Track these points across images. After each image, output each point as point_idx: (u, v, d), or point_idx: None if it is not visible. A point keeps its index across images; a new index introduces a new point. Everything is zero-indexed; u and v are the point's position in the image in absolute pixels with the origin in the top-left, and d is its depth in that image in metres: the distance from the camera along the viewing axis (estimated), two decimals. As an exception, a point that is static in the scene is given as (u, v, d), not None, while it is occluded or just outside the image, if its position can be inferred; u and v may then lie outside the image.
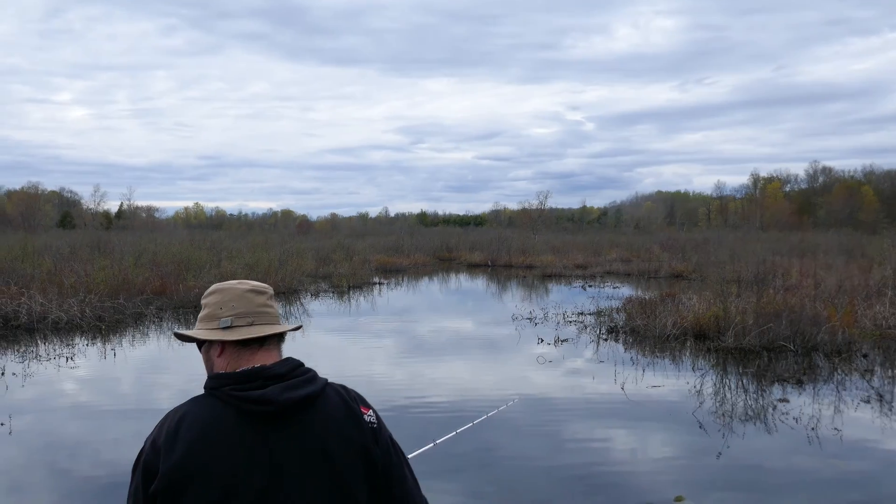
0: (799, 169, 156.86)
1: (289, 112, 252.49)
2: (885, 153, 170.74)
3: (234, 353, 2.18)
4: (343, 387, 2.26)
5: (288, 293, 26.28)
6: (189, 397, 2.18)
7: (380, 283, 32.29)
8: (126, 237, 45.27)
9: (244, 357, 2.16)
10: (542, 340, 15.97)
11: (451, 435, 4.52)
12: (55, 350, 14.46)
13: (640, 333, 16.37)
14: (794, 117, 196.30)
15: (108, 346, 14.97)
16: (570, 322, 19.02)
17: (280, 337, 2.28)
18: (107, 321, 17.84)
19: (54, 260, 25.32)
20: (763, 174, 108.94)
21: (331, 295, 27.00)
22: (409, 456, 2.47)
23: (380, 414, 2.33)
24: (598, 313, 19.75)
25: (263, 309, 2.24)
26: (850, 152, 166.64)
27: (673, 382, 11.89)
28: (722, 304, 15.81)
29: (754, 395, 11.06)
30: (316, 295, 26.74)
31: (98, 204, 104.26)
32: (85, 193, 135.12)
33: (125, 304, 19.24)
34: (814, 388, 11.38)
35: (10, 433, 8.86)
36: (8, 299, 17.69)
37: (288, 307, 22.71)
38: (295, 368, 2.15)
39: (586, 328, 17.82)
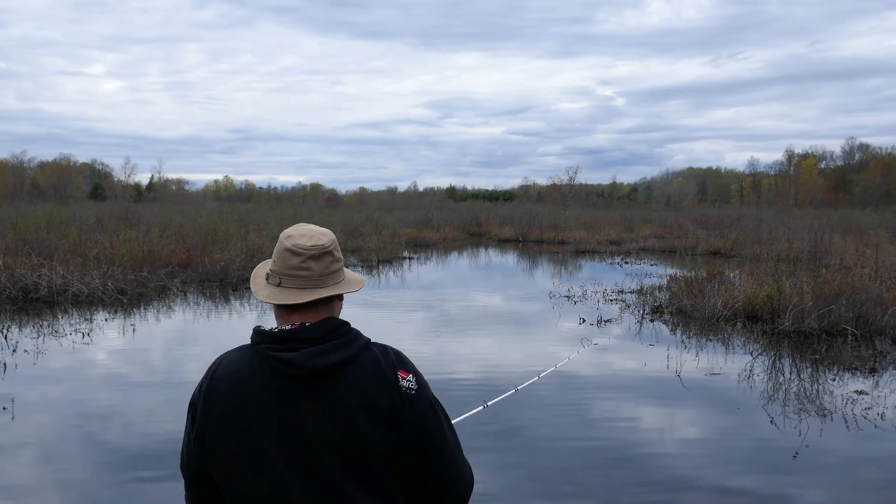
0: (833, 146, 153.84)
1: (318, 86, 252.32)
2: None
3: (277, 308, 2.16)
4: (385, 348, 2.18)
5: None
6: None
7: (409, 258, 31.59)
8: (154, 209, 44.96)
9: (283, 314, 2.14)
10: (584, 320, 15.13)
11: (503, 395, 4.34)
12: (72, 325, 13.80)
13: (687, 314, 15.48)
14: (829, 93, 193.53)
15: (128, 322, 14.29)
16: (611, 301, 18.16)
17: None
18: (129, 294, 17.20)
19: (79, 231, 24.82)
20: (798, 151, 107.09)
21: (360, 269, 26.31)
22: (460, 418, 2.50)
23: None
24: (640, 292, 18.89)
25: (296, 272, 2.12)
26: (885, 129, 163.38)
27: (732, 369, 10.99)
28: (776, 284, 14.88)
29: (826, 386, 10.10)
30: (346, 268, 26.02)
31: (128, 176, 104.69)
32: (116, 166, 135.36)
33: (149, 276, 18.58)
34: (889, 378, 10.45)
35: (12, 418, 8.17)
36: (28, 270, 17.08)
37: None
38: (332, 331, 2.07)
39: (629, 307, 16.96)
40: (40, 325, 13.74)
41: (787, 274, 15.72)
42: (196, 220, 30.44)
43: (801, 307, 13.47)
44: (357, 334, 2.13)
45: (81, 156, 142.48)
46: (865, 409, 8.88)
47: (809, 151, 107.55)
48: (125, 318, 14.61)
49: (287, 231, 2.20)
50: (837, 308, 13.20)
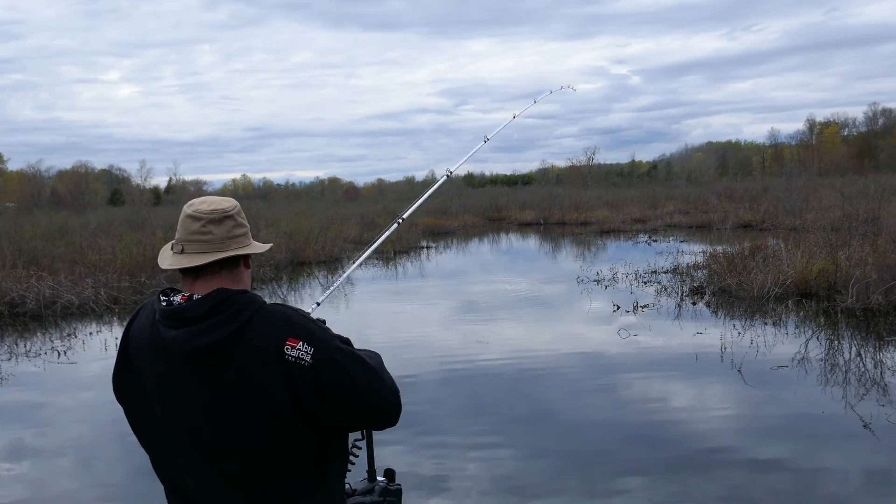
0: (856, 112, 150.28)
1: (332, 80, 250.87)
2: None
3: (183, 276, 2.13)
4: (274, 314, 2.04)
5: (329, 261, 24.44)
6: None
7: (427, 247, 30.30)
8: (169, 212, 43.84)
9: (186, 283, 2.12)
10: (618, 307, 13.68)
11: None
12: (51, 342, 12.49)
13: (732, 294, 14.02)
14: (847, 60, 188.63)
15: (115, 335, 12.88)
16: (644, 282, 16.72)
17: (234, 261, 2.13)
18: (122, 303, 15.82)
19: (81, 238, 23.61)
20: (819, 119, 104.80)
21: (376, 261, 24.99)
22: None
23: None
24: (676, 271, 17.42)
25: (197, 237, 2.08)
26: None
27: (802, 361, 9.39)
28: (830, 257, 13.40)
29: None
30: (361, 263, 24.64)
31: (145, 180, 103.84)
32: (134, 171, 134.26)
33: (147, 282, 17.23)
34: None
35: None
36: (15, 283, 15.81)
37: (330, 276, 20.83)
38: (216, 306, 1.99)
39: (665, 289, 15.50)
40: (14, 343, 12.53)
41: (840, 244, 14.18)
42: (203, 220, 29.15)
43: (865, 281, 11.99)
44: (245, 304, 2.03)
45: (99, 162, 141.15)
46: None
47: (831, 119, 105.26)
48: (112, 331, 13.28)
49: (189, 201, 2.15)
50: (907, 280, 11.71)
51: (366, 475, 3.07)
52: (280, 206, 47.12)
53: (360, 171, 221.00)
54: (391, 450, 6.67)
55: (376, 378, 2.09)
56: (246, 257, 2.17)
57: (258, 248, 2.18)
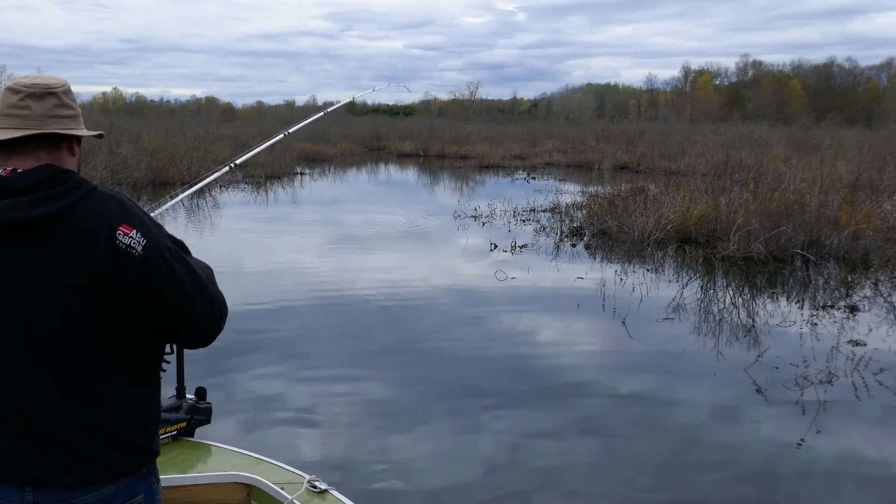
0: (728, 63, 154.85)
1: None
2: (810, 48, 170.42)
3: None
4: (109, 200, 1.89)
5: (196, 183, 23.02)
6: None
7: (302, 174, 29.17)
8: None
9: (1, 159, 1.90)
10: (496, 246, 13.04)
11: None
12: None
13: (612, 237, 13.67)
14: (723, 11, 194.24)
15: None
16: (523, 221, 16.27)
17: (55, 142, 1.91)
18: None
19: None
20: (694, 67, 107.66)
21: (245, 186, 23.76)
22: None
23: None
24: (555, 210, 17.02)
25: (13, 111, 1.89)
26: (776, 47, 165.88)
27: (678, 309, 9.10)
28: (713, 202, 13.16)
29: (812, 336, 8.04)
30: (226, 186, 23.25)
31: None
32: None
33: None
34: (876, 317, 8.77)
35: None
36: None
37: (195, 199, 19.57)
38: (44, 180, 1.83)
39: (544, 229, 15.05)
40: None
41: (722, 189, 13.96)
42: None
43: (748, 229, 11.76)
44: (78, 183, 1.88)
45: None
46: (878, 370, 6.85)
47: (705, 68, 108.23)
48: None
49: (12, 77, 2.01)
50: (787, 230, 11.56)
51: (174, 392, 3.03)
52: (151, 122, 44.48)
53: (240, 92, 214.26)
54: (256, 375, 6.61)
55: (202, 289, 1.96)
56: (70, 143, 1.96)
57: (83, 132, 1.99)
